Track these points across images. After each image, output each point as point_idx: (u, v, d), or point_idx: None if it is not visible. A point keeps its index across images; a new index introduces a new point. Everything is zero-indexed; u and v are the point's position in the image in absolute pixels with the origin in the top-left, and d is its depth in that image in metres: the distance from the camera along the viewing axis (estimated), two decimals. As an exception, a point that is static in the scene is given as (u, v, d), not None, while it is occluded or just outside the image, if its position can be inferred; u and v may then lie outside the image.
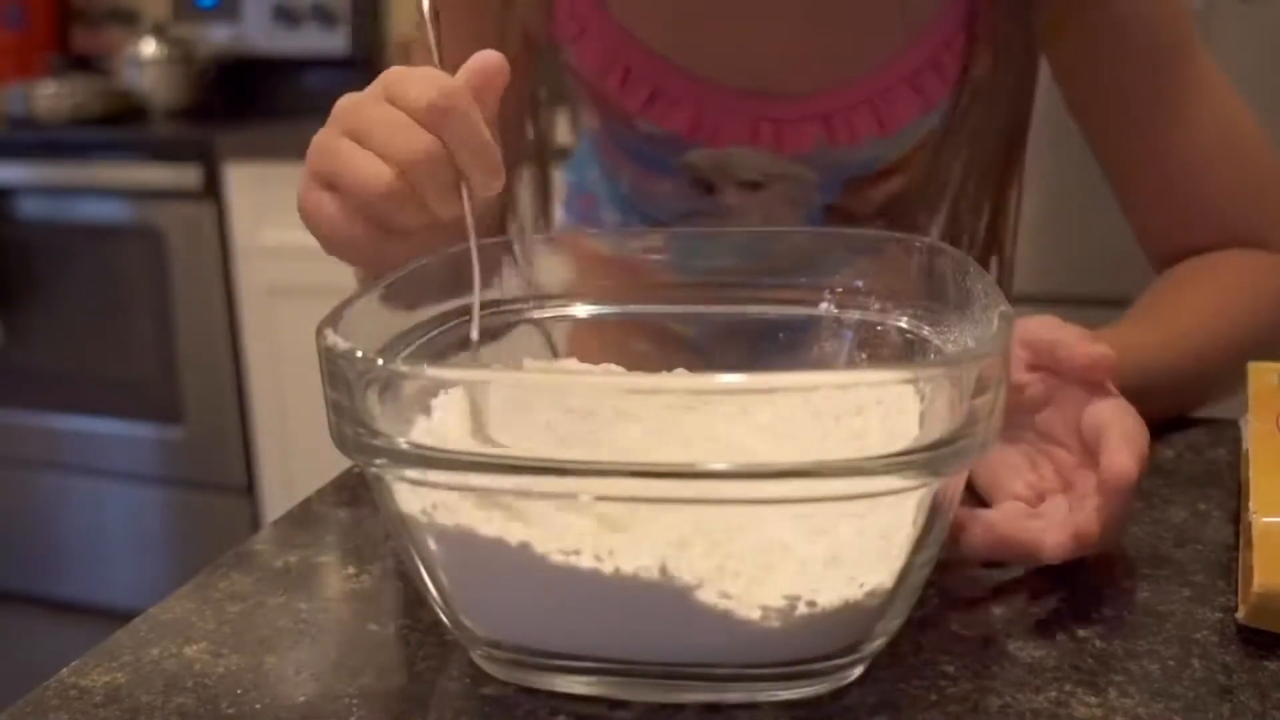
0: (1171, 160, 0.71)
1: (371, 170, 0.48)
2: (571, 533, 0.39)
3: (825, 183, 0.76)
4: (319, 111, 0.55)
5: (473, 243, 0.50)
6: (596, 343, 0.57)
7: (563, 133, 0.87)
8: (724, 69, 0.72)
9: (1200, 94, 0.71)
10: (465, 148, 0.48)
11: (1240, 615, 0.45)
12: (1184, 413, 0.66)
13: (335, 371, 0.40)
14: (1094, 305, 0.90)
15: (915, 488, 0.38)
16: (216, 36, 2.48)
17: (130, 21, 2.61)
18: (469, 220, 0.50)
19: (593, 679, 0.42)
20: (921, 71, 0.71)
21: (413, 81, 0.48)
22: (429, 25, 0.52)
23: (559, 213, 0.89)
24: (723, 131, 0.73)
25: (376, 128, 0.49)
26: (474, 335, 0.50)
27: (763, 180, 0.76)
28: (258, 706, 0.43)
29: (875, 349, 0.52)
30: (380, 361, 0.41)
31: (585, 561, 0.38)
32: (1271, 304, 0.70)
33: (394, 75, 0.50)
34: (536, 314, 0.55)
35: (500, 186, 0.49)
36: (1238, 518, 0.55)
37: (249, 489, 2.20)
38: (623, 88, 0.72)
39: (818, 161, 0.74)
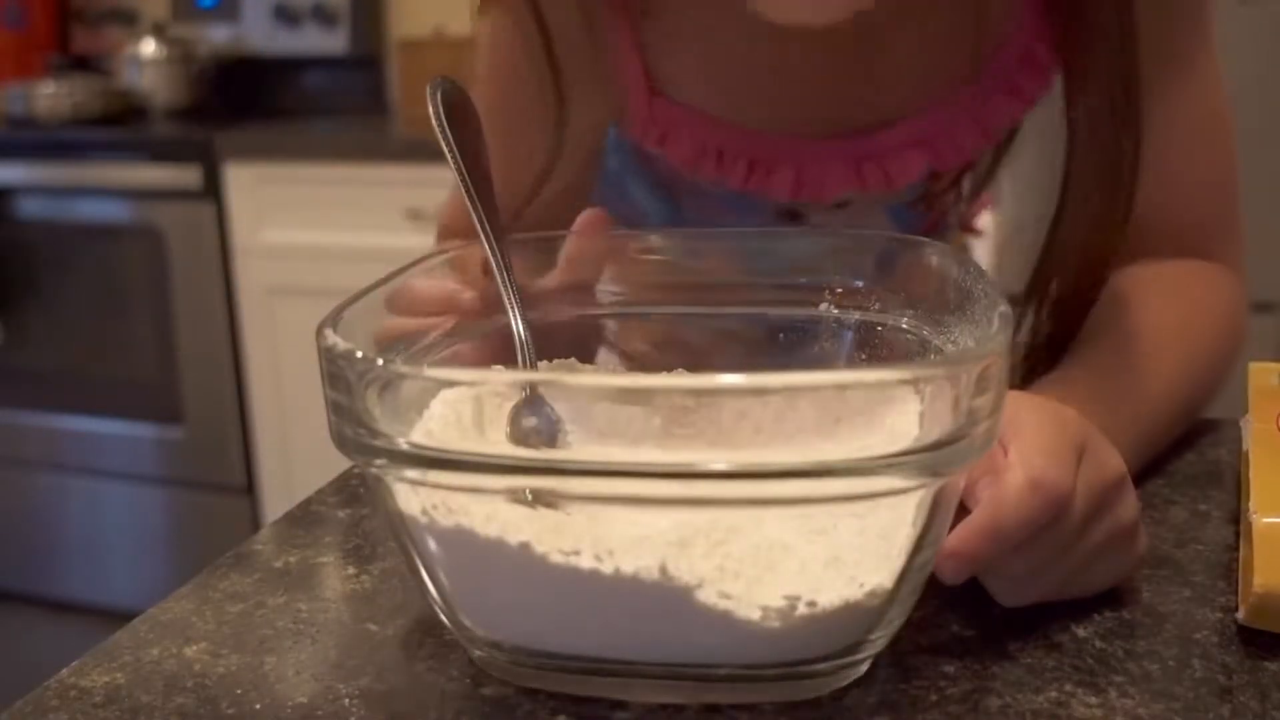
0: (1159, 126, 0.66)
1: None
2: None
3: (911, 187, 0.73)
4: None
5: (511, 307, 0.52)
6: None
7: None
8: (819, 119, 0.68)
9: (1196, 79, 0.68)
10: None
11: (1240, 615, 0.45)
12: (1156, 450, 0.62)
13: (335, 371, 0.40)
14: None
15: (915, 488, 0.38)
16: (216, 36, 2.48)
17: (130, 21, 2.61)
18: (505, 292, 0.51)
19: (592, 679, 0.42)
20: (1015, 71, 0.66)
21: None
22: (448, 153, 0.53)
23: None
24: (827, 184, 0.70)
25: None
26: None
27: (850, 199, 0.72)
28: (258, 706, 0.43)
29: (875, 349, 0.52)
30: (380, 361, 0.41)
31: (585, 561, 0.38)
32: (1227, 325, 0.67)
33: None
34: (534, 315, 0.55)
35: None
36: (1238, 518, 0.55)
37: (249, 489, 2.20)
38: (719, 169, 0.70)
39: None
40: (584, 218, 0.56)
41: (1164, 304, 0.65)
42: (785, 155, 0.69)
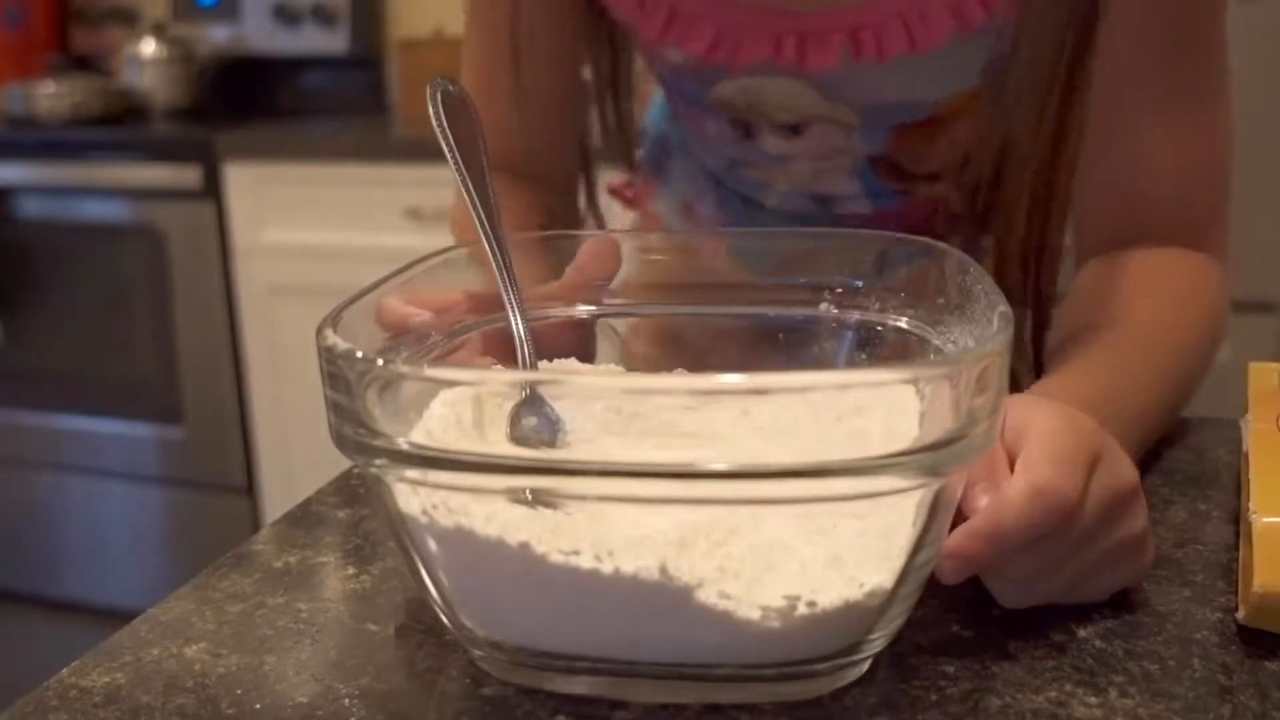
0: (1160, 118, 0.68)
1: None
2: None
3: (868, 129, 0.74)
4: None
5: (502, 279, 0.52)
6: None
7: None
8: None
9: (1203, 71, 0.68)
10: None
11: (1240, 616, 0.45)
12: (1147, 447, 0.62)
13: (335, 371, 0.40)
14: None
15: (915, 488, 0.38)
16: (216, 36, 2.48)
17: (130, 21, 2.61)
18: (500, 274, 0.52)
19: (593, 679, 0.42)
20: None
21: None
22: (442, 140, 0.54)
23: (639, 154, 0.90)
24: (743, 48, 0.71)
25: None
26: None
27: (800, 123, 0.74)
28: (258, 706, 0.43)
29: (875, 349, 0.52)
30: (380, 361, 0.41)
31: (585, 561, 0.38)
32: (1212, 320, 0.68)
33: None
34: (538, 313, 0.55)
35: None
36: (1238, 518, 0.55)
37: (249, 489, 2.20)
38: (642, 10, 0.72)
39: (852, 96, 0.72)
40: (592, 244, 0.56)
41: (1156, 300, 0.66)
42: (708, 12, 0.71)
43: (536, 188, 0.79)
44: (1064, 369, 0.59)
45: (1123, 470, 0.47)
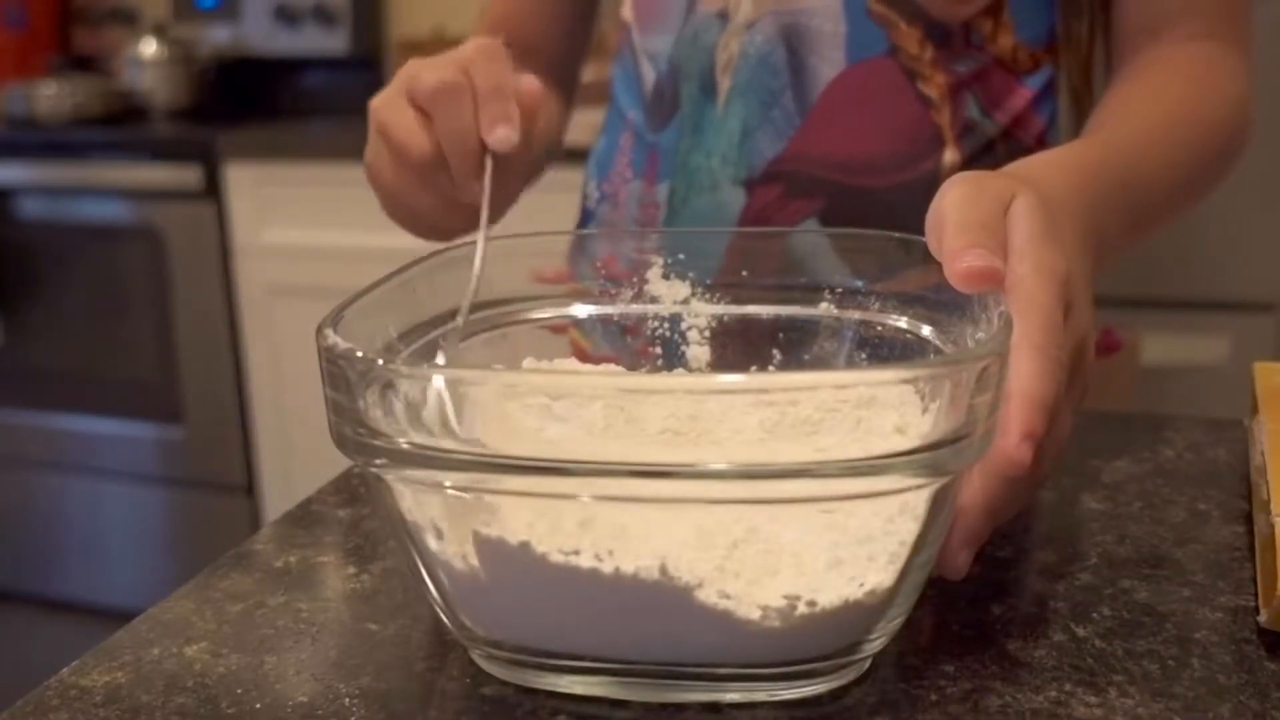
0: None
1: (413, 139, 0.61)
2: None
3: None
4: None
5: (484, 210, 0.60)
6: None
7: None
8: None
9: None
10: (484, 85, 0.59)
11: (1263, 619, 0.45)
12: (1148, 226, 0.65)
13: (335, 371, 0.40)
14: (1110, 305, 0.89)
15: (916, 487, 0.38)
16: (216, 36, 2.48)
17: (130, 21, 2.61)
18: (486, 184, 0.59)
19: (593, 679, 0.42)
20: None
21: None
22: None
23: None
24: None
25: (422, 77, 0.61)
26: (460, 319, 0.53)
27: None
28: (258, 706, 0.43)
29: (875, 349, 0.52)
30: (380, 361, 0.41)
31: (585, 561, 0.38)
32: (1232, 110, 0.72)
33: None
34: (536, 314, 0.55)
35: (510, 140, 0.59)
36: (1238, 517, 0.55)
37: (249, 489, 2.20)
38: None
39: None
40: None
41: (1179, 89, 0.71)
42: None
43: (544, 64, 0.87)
44: (1081, 142, 0.62)
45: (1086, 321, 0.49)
